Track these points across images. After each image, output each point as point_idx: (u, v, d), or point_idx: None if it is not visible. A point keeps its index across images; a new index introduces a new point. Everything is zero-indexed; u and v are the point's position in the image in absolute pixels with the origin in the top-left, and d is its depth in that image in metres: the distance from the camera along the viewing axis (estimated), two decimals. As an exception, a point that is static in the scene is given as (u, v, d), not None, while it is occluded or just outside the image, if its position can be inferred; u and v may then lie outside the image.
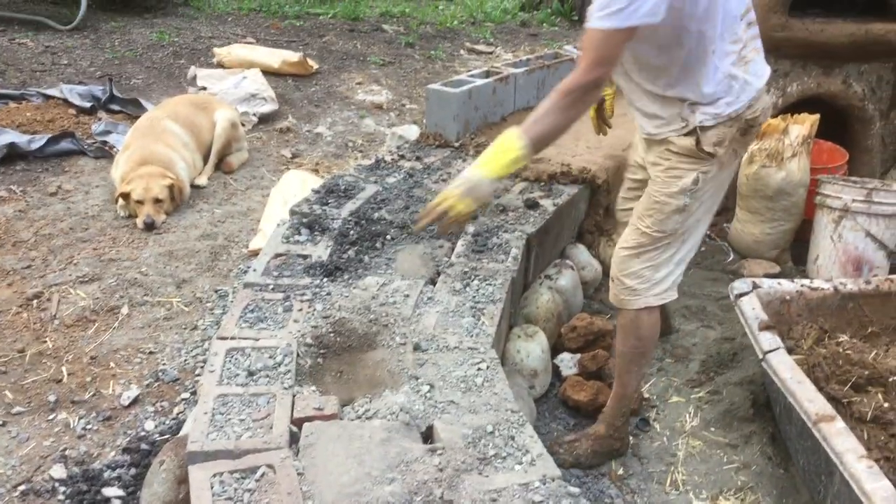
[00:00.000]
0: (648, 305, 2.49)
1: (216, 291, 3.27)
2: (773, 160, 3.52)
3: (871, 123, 3.93)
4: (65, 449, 2.39)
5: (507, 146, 2.23)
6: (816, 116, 3.57)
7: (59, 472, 2.30)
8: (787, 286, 2.88)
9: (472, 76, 4.27)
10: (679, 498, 2.46)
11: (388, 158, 3.90)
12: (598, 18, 2.07)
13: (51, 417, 2.53)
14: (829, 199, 3.47)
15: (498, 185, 2.23)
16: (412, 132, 4.89)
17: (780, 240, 3.66)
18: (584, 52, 2.14)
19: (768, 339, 2.58)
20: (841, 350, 2.61)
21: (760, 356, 2.55)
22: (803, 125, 3.55)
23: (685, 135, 2.33)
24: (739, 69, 2.30)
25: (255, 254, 3.43)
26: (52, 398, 2.60)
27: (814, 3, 3.87)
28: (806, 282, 2.91)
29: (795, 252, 3.75)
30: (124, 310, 3.10)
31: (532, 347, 2.87)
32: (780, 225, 3.61)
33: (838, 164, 3.79)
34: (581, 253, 3.58)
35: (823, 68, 3.84)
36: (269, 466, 1.84)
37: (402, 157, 3.93)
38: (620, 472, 2.59)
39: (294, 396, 2.11)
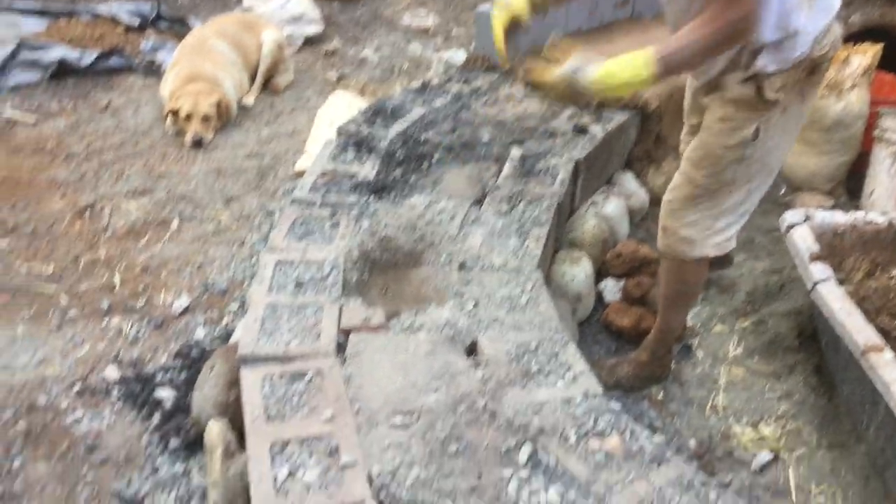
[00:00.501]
0: (704, 256, 2.36)
1: (264, 209, 3.30)
2: (832, 91, 3.41)
3: (937, 54, 3.78)
4: (118, 352, 2.47)
5: (635, 65, 1.92)
6: (879, 47, 3.44)
7: (112, 373, 2.38)
8: (840, 218, 2.82)
9: (522, -2, 4.16)
10: (719, 422, 2.47)
11: (435, 82, 3.86)
12: None
13: (104, 323, 2.60)
14: (889, 133, 3.36)
15: (590, 97, 2.01)
16: (458, 57, 4.82)
17: (836, 172, 3.57)
18: None
19: (819, 270, 2.54)
20: (892, 283, 2.56)
21: (810, 287, 2.52)
22: (865, 56, 3.42)
23: (744, 81, 2.11)
24: (805, 3, 2.05)
25: (302, 174, 3.44)
26: (105, 304, 2.67)
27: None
28: (860, 215, 2.85)
29: (850, 185, 3.66)
30: (174, 223, 3.15)
31: (577, 271, 2.86)
32: (836, 157, 3.52)
33: (900, 96, 3.67)
34: (629, 180, 3.53)
35: (890, -4, 3.69)
36: (318, 372, 1.88)
37: (450, 80, 3.89)
38: (661, 396, 2.60)
39: (341, 308, 2.14)
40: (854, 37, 3.73)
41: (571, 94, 2.03)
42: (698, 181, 2.26)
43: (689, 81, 2.50)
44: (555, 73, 2.01)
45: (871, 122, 3.49)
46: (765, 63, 2.06)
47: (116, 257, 2.91)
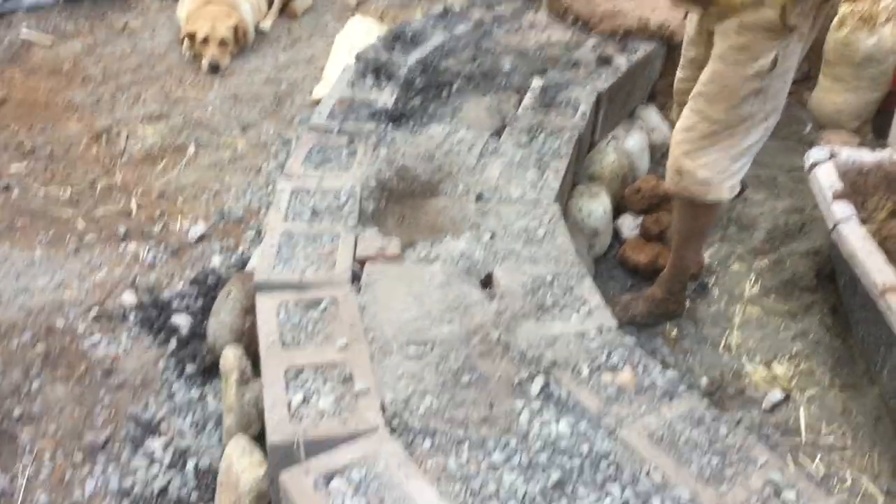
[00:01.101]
0: (721, 199, 2.30)
1: (280, 136, 3.28)
2: (865, 24, 3.30)
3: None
4: (135, 278, 2.49)
5: None
6: (919, -23, 3.31)
7: (129, 298, 2.41)
8: (866, 156, 2.75)
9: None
10: (732, 361, 2.47)
11: (457, 8, 3.76)
12: None
13: (121, 248, 2.62)
14: (923, 70, 3.27)
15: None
16: (482, -18, 4.70)
17: (864, 110, 3.48)
18: None
19: (842, 209, 2.50)
20: (916, 224, 2.52)
21: (831, 226, 2.48)
22: (903, -13, 3.30)
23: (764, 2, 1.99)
24: None
25: (319, 102, 3.40)
26: (122, 230, 2.68)
27: None
28: (887, 153, 2.78)
29: (878, 123, 3.56)
30: (191, 149, 3.14)
31: (595, 206, 2.83)
32: (866, 94, 3.43)
33: (937, 32, 3.54)
34: (652, 115, 3.46)
35: (934, -75, 3.52)
36: (333, 300, 1.89)
37: (473, 5, 3.79)
38: (674, 333, 2.60)
39: (357, 237, 2.14)
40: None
41: None
42: (716, 117, 2.17)
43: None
44: None
45: (905, 57, 3.38)
46: None
47: (133, 182, 2.92)
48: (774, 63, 2.06)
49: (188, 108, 3.40)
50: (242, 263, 2.55)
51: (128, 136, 3.17)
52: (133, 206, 2.80)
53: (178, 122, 3.29)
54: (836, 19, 3.42)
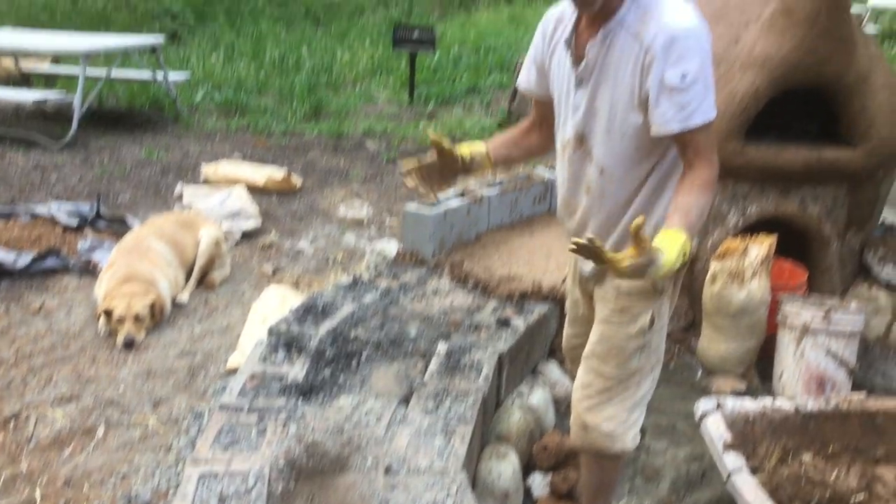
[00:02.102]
0: (625, 450, 2.46)
1: (193, 410, 3.31)
2: (734, 279, 3.66)
3: (828, 243, 4.10)
4: (34, 576, 2.39)
5: (683, 248, 1.97)
6: (774, 237, 3.74)
7: None
8: (749, 405, 2.96)
9: (447, 197, 4.44)
10: None
11: (365, 277, 4.02)
12: (699, 113, 2.04)
13: (21, 543, 2.53)
14: (790, 318, 3.60)
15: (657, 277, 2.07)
16: (391, 247, 5.03)
17: (746, 357, 3.76)
18: (703, 148, 2.08)
19: (732, 459, 2.64)
20: (803, 470, 2.67)
21: (725, 477, 2.61)
22: (762, 246, 3.71)
23: None
24: None
25: (234, 371, 3.49)
26: (23, 523, 2.60)
27: (769, 129, 4.10)
28: (768, 401, 3.00)
29: (762, 368, 3.84)
30: (100, 430, 3.13)
31: (504, 468, 2.91)
32: (745, 342, 3.73)
33: (798, 282, 3.94)
34: (553, 370, 3.66)
35: (780, 191, 4.04)
36: None
37: (380, 275, 4.05)
38: None
39: (264, 522, 2.15)
40: (752, 227, 4.03)
41: (634, 276, 2.01)
42: (609, 373, 2.39)
43: (572, 271, 2.65)
44: (629, 262, 1.95)
45: (774, 307, 3.73)
46: None
47: (38, 470, 2.87)
48: (652, 321, 2.35)
49: (100, 388, 3.43)
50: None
51: (36, 421, 3.15)
52: (37, 496, 2.73)
53: (88, 403, 3.30)
54: (708, 275, 3.79)
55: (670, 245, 1.94)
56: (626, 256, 1.89)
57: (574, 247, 1.86)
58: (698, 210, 2.05)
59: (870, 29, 13.45)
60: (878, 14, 14.99)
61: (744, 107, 3.85)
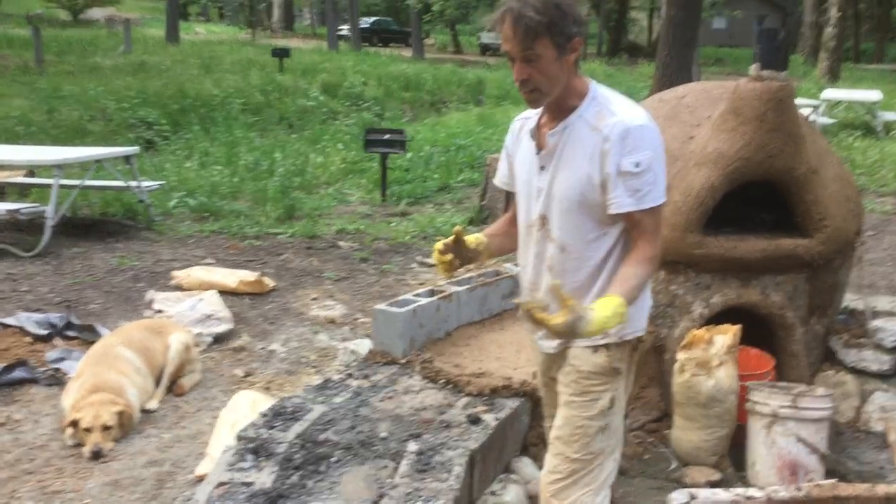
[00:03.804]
0: None
1: (159, 522, 3.24)
2: (702, 368, 3.70)
3: (792, 330, 4.17)
4: None
5: (616, 312, 2.16)
6: (738, 327, 3.80)
7: None
8: (722, 496, 2.96)
9: (416, 295, 4.49)
10: None
11: (335, 378, 4.01)
12: (651, 198, 2.30)
13: None
14: (759, 406, 3.63)
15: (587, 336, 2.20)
16: (364, 346, 5.03)
17: (718, 446, 3.76)
18: (650, 228, 2.33)
19: (705, 553, 2.62)
20: (777, 560, 2.66)
21: (699, 571, 2.59)
22: (727, 335, 3.77)
23: (595, 351, 2.42)
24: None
25: (202, 479, 3.43)
26: None
27: (727, 221, 4.23)
28: (741, 491, 3.00)
29: (735, 457, 3.84)
30: (63, 547, 3.05)
31: (477, 569, 2.86)
32: (716, 431, 3.73)
33: (766, 370, 3.99)
34: (526, 466, 3.63)
35: (742, 280, 4.13)
36: None
37: (350, 375, 4.04)
38: None
39: None
40: (718, 317, 4.10)
41: (567, 334, 2.16)
42: (574, 456, 2.46)
43: (538, 360, 2.75)
44: (560, 320, 2.11)
45: (743, 395, 3.76)
46: (621, 331, 2.37)
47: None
48: (612, 402, 2.46)
49: (65, 501, 3.36)
50: None
51: (-4, 539, 3.07)
52: None
53: (52, 519, 3.23)
54: (676, 365, 3.83)
55: (604, 305, 2.17)
56: (557, 315, 2.10)
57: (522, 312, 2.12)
58: (637, 280, 2.29)
59: (824, 120, 14.02)
60: (832, 106, 15.62)
61: (701, 200, 3.98)
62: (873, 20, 46.55)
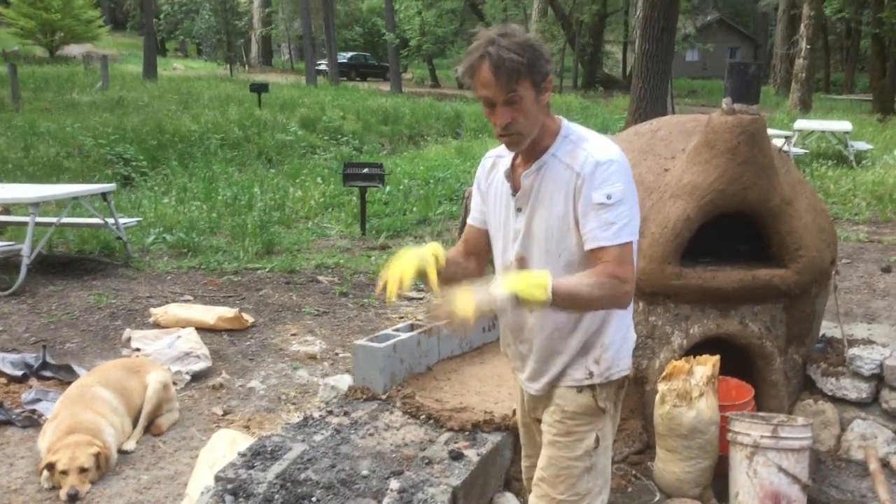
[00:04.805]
0: None
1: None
2: (682, 400, 3.71)
3: (771, 359, 4.20)
4: None
5: (534, 280, 2.09)
6: (717, 357, 3.82)
7: None
8: (705, 528, 2.94)
9: (397, 330, 4.48)
10: None
11: (316, 415, 3.97)
12: (625, 234, 2.22)
13: None
14: (740, 436, 3.63)
15: (505, 303, 2.10)
16: (345, 382, 4.99)
17: (700, 477, 3.76)
18: (622, 262, 2.21)
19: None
20: None
21: None
22: (706, 366, 3.78)
23: (580, 391, 2.40)
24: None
25: (181, 522, 3.38)
26: None
27: (704, 252, 4.27)
28: (723, 523, 2.99)
29: (718, 488, 3.83)
30: None
31: None
32: (698, 462, 3.73)
33: (745, 399, 4.00)
34: (509, 501, 3.61)
35: (720, 310, 4.16)
36: None
37: (331, 412, 4.01)
38: None
39: None
40: (697, 347, 4.12)
41: (480, 303, 2.08)
42: (559, 498, 2.42)
43: (520, 399, 2.70)
44: (473, 303, 2.05)
45: (724, 425, 3.76)
46: (605, 370, 2.38)
47: None
48: (597, 442, 2.42)
49: (39, 547, 3.29)
50: None
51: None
52: None
53: (26, 564, 3.15)
54: (657, 396, 3.84)
55: (523, 275, 2.12)
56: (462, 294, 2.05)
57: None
58: (584, 287, 2.17)
59: (797, 151, 14.25)
60: (804, 136, 15.89)
61: (677, 232, 4.02)
62: (843, 51, 47.60)
